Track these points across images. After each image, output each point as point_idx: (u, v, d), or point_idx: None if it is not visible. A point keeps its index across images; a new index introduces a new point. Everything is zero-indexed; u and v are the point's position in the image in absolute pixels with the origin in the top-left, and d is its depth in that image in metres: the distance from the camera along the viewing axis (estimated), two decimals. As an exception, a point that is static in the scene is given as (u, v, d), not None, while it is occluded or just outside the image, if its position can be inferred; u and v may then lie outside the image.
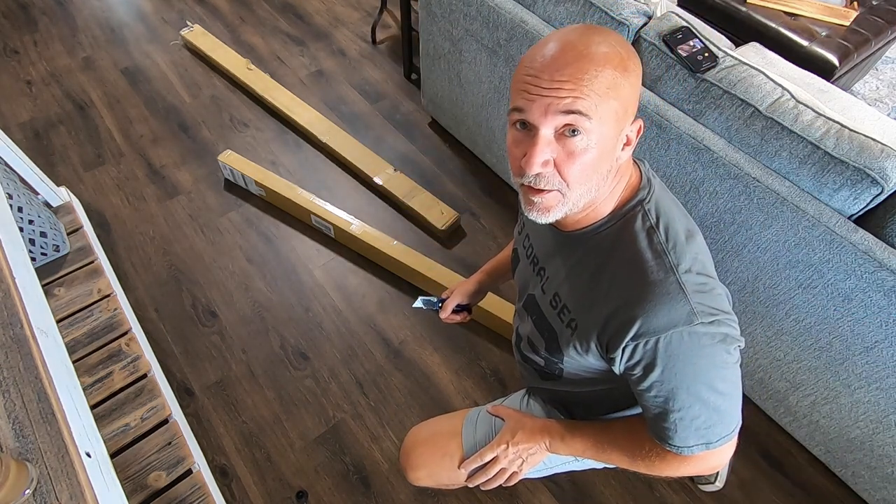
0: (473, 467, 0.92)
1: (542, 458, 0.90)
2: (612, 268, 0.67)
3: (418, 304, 1.11)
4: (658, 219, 0.67)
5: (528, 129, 0.60)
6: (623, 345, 0.65)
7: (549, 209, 0.64)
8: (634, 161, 0.72)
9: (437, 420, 1.05)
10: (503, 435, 0.91)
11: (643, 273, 0.64)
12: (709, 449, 0.69)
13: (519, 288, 0.93)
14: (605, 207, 0.69)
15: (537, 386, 0.98)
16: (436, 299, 1.12)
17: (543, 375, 0.90)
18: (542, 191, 0.62)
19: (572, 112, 0.57)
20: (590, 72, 0.56)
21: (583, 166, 0.60)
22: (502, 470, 0.90)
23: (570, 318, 0.74)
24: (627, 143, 0.64)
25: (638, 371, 0.66)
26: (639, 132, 0.65)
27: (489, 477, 0.91)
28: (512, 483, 0.92)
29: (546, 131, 0.58)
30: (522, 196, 0.66)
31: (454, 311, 1.13)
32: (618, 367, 0.68)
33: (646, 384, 0.67)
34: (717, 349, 0.63)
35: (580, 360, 0.76)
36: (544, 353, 0.83)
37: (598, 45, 0.58)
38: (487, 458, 0.91)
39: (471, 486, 0.94)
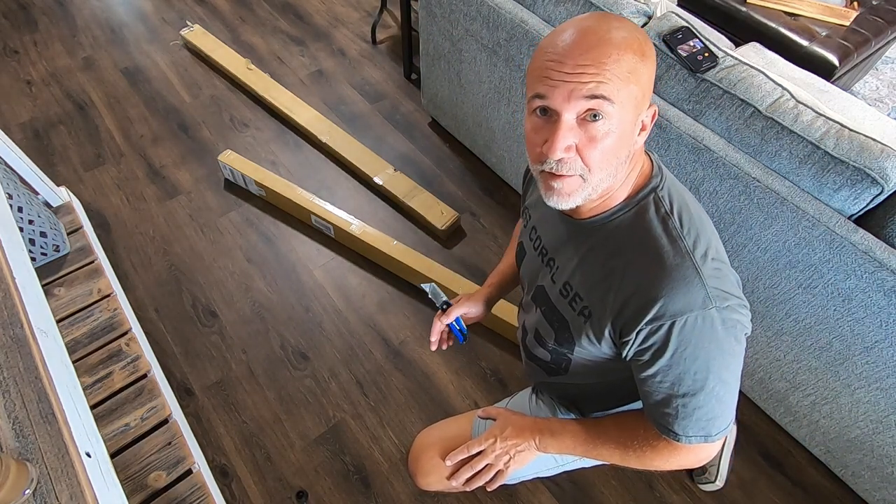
0: (459, 458, 0.90)
1: (530, 456, 0.88)
2: (628, 254, 0.68)
3: (427, 287, 1.05)
4: (672, 205, 0.67)
5: (549, 116, 0.60)
6: (638, 328, 0.65)
7: (570, 194, 0.64)
8: (645, 151, 0.73)
9: (444, 424, 1.03)
10: (492, 430, 0.89)
11: (660, 258, 0.64)
12: (707, 442, 0.69)
13: (526, 281, 0.92)
14: (620, 194, 0.69)
15: (544, 382, 0.97)
16: (444, 299, 1.05)
17: (549, 370, 0.90)
18: (562, 176, 0.62)
19: (596, 97, 0.57)
20: (612, 56, 0.57)
21: (604, 151, 0.60)
22: (488, 466, 0.87)
23: (582, 305, 0.74)
24: (643, 129, 0.65)
25: (647, 356, 0.66)
26: (653, 118, 0.66)
27: (475, 471, 0.88)
28: (496, 484, 0.88)
29: (568, 116, 0.59)
30: (542, 183, 0.66)
31: (448, 333, 1.05)
32: (627, 352, 0.69)
33: (653, 369, 0.67)
34: (727, 336, 0.64)
35: (591, 349, 0.76)
36: (552, 344, 0.82)
37: (617, 30, 0.58)
38: (474, 451, 0.89)
39: (455, 483, 0.90)
